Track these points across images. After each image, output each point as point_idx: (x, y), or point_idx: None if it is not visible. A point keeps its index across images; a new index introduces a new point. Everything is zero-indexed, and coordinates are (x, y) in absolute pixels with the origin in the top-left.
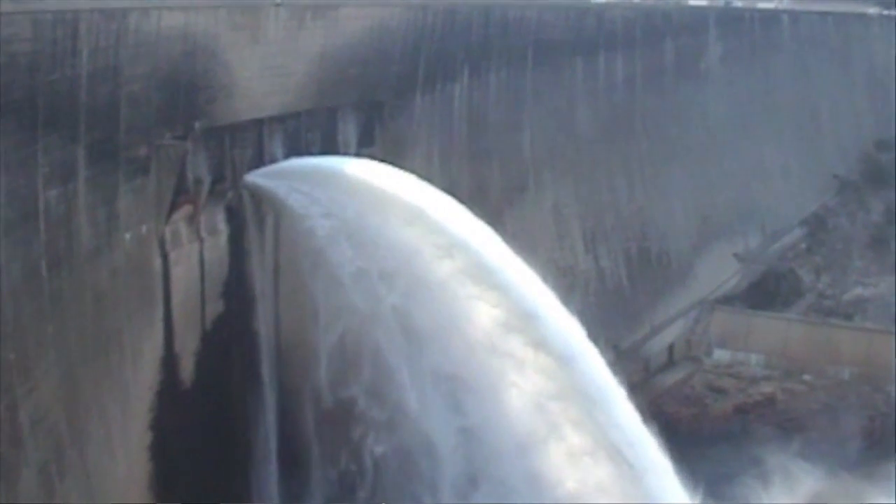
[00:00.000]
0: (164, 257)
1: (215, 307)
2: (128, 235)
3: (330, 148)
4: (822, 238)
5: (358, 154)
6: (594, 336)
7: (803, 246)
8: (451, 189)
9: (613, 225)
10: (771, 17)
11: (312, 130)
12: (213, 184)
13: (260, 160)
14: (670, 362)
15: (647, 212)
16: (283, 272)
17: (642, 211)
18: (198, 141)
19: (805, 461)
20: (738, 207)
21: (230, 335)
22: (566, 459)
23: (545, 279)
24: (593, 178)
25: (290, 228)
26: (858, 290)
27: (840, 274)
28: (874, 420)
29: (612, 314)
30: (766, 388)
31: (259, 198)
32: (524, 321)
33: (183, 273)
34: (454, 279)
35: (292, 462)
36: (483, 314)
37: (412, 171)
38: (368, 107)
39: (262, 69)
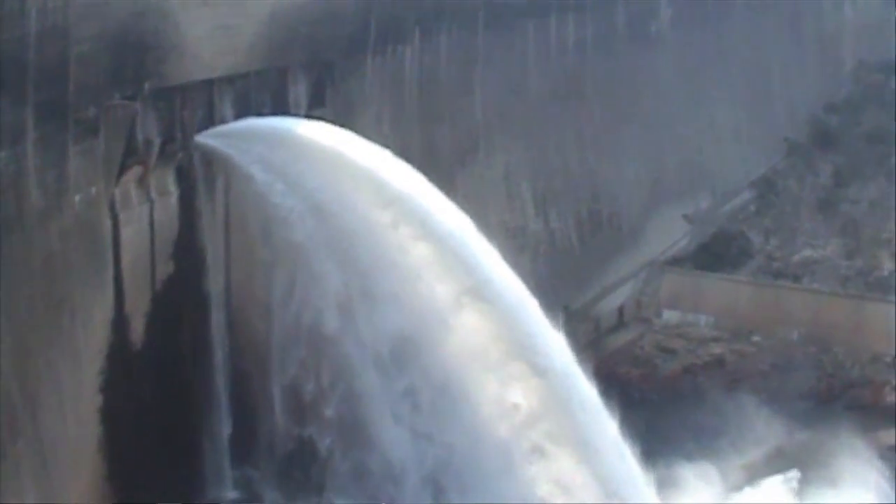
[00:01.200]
0: (114, 219)
1: (165, 269)
2: (77, 197)
3: (280, 109)
4: (772, 200)
5: (308, 115)
6: (544, 297)
7: (752, 208)
8: (401, 151)
9: (564, 187)
10: None
11: (263, 91)
12: (163, 145)
13: (210, 121)
14: (620, 323)
15: (597, 174)
16: (233, 233)
17: (593, 173)
18: (147, 102)
19: (753, 421)
20: (688, 170)
21: (181, 297)
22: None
23: (495, 241)
24: (544, 140)
25: (240, 189)
26: (807, 252)
27: (789, 236)
28: (822, 380)
29: (562, 275)
30: (715, 349)
31: (209, 159)
32: (469, 277)
33: (133, 235)
34: (404, 240)
35: (244, 423)
36: (433, 277)
37: (363, 132)
38: (319, 68)
39: (213, 29)
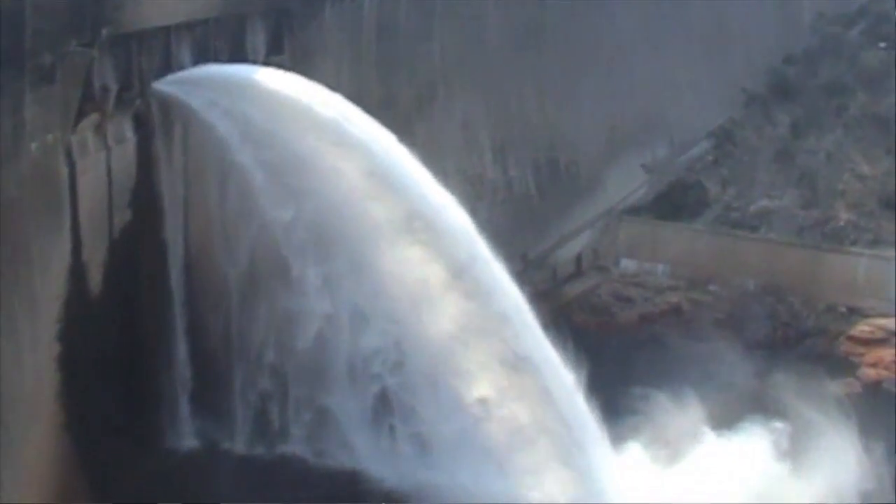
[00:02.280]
0: (71, 167)
1: (123, 216)
2: (34, 145)
3: (238, 56)
4: (729, 150)
5: (267, 62)
6: (502, 245)
7: (710, 158)
8: (359, 98)
9: (522, 135)
10: None
11: (221, 38)
12: (120, 92)
13: (168, 68)
14: (578, 272)
15: (556, 122)
16: (191, 180)
17: (551, 122)
18: (104, 48)
19: (709, 369)
20: (646, 119)
21: (138, 244)
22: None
23: (454, 188)
24: (503, 88)
25: (198, 137)
26: (764, 202)
27: (746, 186)
28: (777, 330)
29: (520, 224)
30: (672, 298)
31: (167, 106)
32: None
33: (90, 182)
34: (361, 189)
35: (204, 371)
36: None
37: (321, 80)
38: (278, 15)
39: None
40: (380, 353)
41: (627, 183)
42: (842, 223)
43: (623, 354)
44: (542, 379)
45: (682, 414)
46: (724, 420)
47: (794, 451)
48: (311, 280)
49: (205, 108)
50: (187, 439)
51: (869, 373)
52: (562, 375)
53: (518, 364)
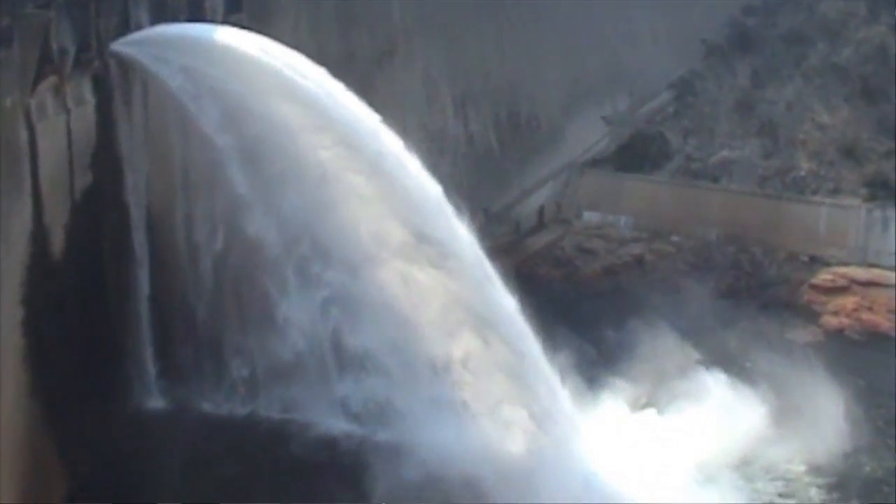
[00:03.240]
0: (31, 129)
1: (84, 179)
2: None
3: (197, 15)
4: (690, 102)
5: (225, 21)
6: (465, 199)
7: (671, 109)
8: (319, 55)
9: (483, 89)
10: None
11: None
12: (78, 53)
13: (126, 28)
14: (540, 225)
15: (516, 76)
16: (152, 141)
17: (512, 75)
18: (61, 9)
19: (673, 319)
20: (607, 71)
21: (100, 207)
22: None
23: (415, 143)
24: (463, 42)
25: (157, 97)
26: (725, 153)
27: (707, 137)
28: (740, 279)
29: (482, 177)
30: (635, 250)
31: (126, 67)
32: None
33: (50, 145)
34: (320, 146)
35: (167, 331)
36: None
37: (280, 37)
38: None
39: None
40: (336, 305)
41: (589, 135)
42: (803, 173)
43: (587, 306)
44: (504, 332)
45: (647, 365)
46: (688, 369)
47: (760, 399)
48: (273, 239)
49: (162, 67)
50: (154, 399)
51: (831, 321)
52: (523, 328)
53: (479, 318)
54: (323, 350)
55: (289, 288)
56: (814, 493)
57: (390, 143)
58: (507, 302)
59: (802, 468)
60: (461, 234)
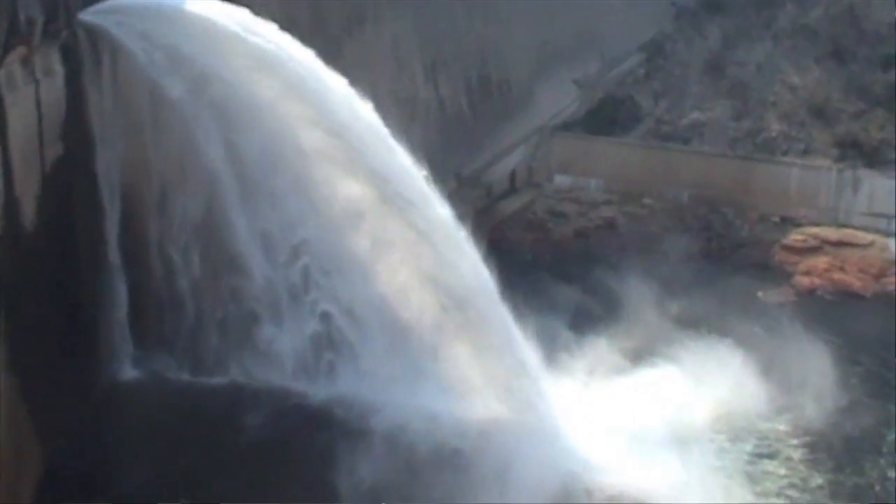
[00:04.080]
0: (0, 101)
1: (54, 150)
2: None
3: None
4: (660, 64)
5: None
6: (436, 164)
7: (641, 72)
8: (289, 23)
9: (453, 54)
10: None
11: None
12: (46, 24)
13: None
14: (512, 189)
15: (486, 40)
16: (121, 111)
17: (482, 39)
18: None
19: (645, 280)
20: (577, 34)
21: (71, 178)
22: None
23: (386, 109)
24: (433, 7)
25: (126, 67)
26: (695, 115)
27: (677, 99)
28: (712, 241)
29: (453, 142)
30: (607, 212)
31: (94, 37)
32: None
33: (20, 116)
34: (288, 113)
35: (140, 301)
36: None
37: (249, 5)
38: None
39: None
40: (311, 273)
41: (559, 99)
42: (773, 134)
43: (558, 269)
44: (472, 296)
45: (619, 327)
46: (662, 331)
47: (736, 359)
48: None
49: (130, 36)
50: (128, 369)
51: (803, 281)
52: (492, 292)
53: (447, 280)
54: (297, 317)
55: (259, 254)
56: (795, 452)
57: (358, 105)
58: (476, 265)
59: (783, 427)
60: (428, 196)
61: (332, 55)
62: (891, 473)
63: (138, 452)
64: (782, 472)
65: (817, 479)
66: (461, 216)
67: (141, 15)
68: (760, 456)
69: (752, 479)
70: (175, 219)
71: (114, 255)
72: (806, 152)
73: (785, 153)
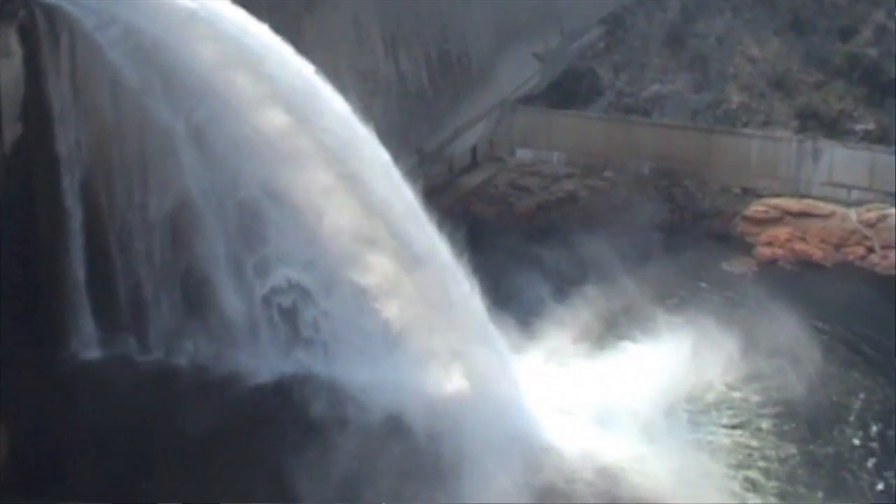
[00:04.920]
0: None
1: (14, 130)
2: None
3: None
4: (620, 37)
5: None
6: (398, 140)
7: (602, 45)
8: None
9: (413, 29)
10: None
11: None
12: (3, 4)
13: None
14: (474, 163)
15: (446, 14)
16: (81, 91)
17: (442, 13)
18: None
19: (607, 253)
20: (536, 7)
21: (31, 158)
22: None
23: (347, 85)
24: None
25: (85, 46)
26: (656, 87)
27: (638, 72)
28: (674, 213)
29: (414, 118)
30: (569, 186)
31: (52, 16)
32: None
33: None
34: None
35: (102, 281)
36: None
37: None
38: None
39: None
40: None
41: (520, 73)
42: (733, 105)
43: (521, 243)
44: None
45: (583, 299)
46: (626, 303)
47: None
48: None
49: (87, 15)
50: (91, 350)
51: (764, 251)
52: (450, 261)
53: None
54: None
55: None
56: (764, 423)
57: (306, 72)
58: (431, 232)
59: (756, 398)
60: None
61: (291, 31)
62: (856, 441)
63: (98, 434)
64: (754, 443)
65: (789, 449)
66: (423, 192)
67: None
68: (732, 427)
69: (724, 450)
70: (137, 196)
71: (75, 235)
72: (766, 123)
73: (745, 125)
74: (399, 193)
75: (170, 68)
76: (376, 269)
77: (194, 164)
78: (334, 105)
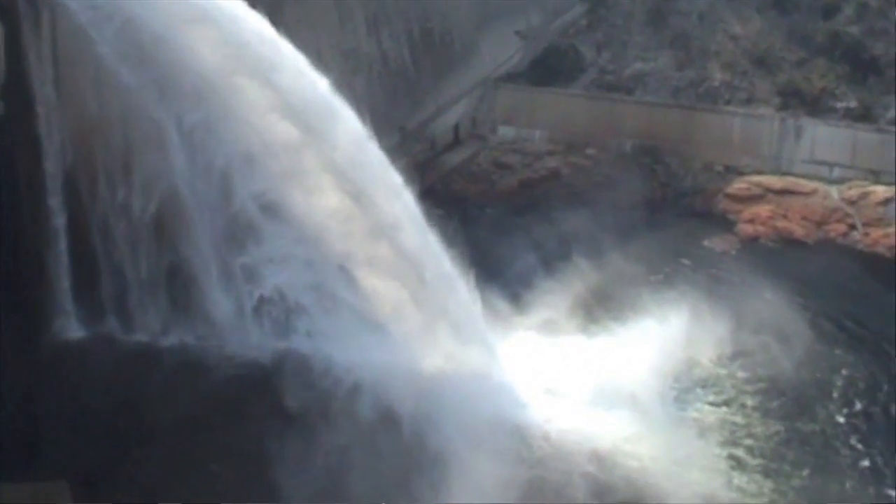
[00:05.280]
0: None
1: None
2: None
3: None
4: (603, 14)
5: None
6: (380, 118)
7: (584, 22)
8: None
9: (395, 6)
10: None
11: None
12: None
13: None
14: (456, 141)
15: None
16: (63, 70)
17: None
18: None
19: (590, 231)
20: None
21: (13, 140)
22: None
23: (329, 65)
24: None
25: (65, 25)
26: (638, 65)
27: (620, 49)
28: (656, 190)
29: (396, 96)
30: (551, 163)
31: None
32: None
33: None
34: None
35: (84, 262)
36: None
37: None
38: None
39: None
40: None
41: (502, 50)
42: (716, 83)
43: (503, 221)
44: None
45: (566, 276)
46: (609, 280)
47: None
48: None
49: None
50: (74, 329)
51: (746, 229)
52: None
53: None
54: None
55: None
56: (750, 400)
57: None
58: (412, 211)
59: (741, 374)
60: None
61: (272, 11)
62: (840, 419)
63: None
64: (740, 420)
65: (774, 426)
66: (406, 169)
67: None
68: (716, 404)
69: (710, 428)
70: (119, 176)
71: (57, 215)
72: (748, 101)
73: (728, 102)
74: (409, 215)
75: (168, 66)
76: (379, 293)
77: (183, 166)
78: (348, 123)
